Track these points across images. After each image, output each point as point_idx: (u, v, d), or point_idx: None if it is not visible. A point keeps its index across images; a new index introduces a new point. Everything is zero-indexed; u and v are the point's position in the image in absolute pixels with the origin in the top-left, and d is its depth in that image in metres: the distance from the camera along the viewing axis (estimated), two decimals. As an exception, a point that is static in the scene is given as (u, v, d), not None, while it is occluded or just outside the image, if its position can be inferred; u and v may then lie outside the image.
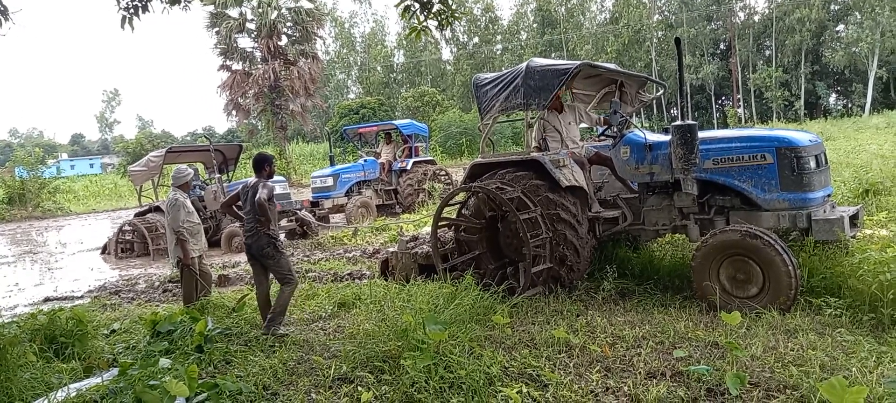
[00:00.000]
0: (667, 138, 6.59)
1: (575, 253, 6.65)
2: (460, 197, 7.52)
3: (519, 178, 6.88)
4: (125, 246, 14.95)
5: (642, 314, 5.97)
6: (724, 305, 5.57)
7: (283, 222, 15.47)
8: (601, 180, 7.69)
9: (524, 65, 7.19)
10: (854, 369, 4.18)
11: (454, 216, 7.49)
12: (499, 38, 66.02)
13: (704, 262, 5.88)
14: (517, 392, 4.16)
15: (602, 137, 7.62)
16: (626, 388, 4.25)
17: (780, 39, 51.86)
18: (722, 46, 58.05)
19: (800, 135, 6.38)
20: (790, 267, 5.45)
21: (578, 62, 7.07)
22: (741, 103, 51.91)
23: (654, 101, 8.73)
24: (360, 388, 4.54)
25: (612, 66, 8.10)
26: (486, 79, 7.62)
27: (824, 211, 6.15)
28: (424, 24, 6.39)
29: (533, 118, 7.44)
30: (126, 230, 15.01)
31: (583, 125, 8.22)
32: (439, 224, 7.38)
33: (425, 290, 6.46)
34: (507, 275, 7.08)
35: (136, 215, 15.15)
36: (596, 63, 7.52)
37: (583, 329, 5.54)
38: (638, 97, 8.21)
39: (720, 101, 57.40)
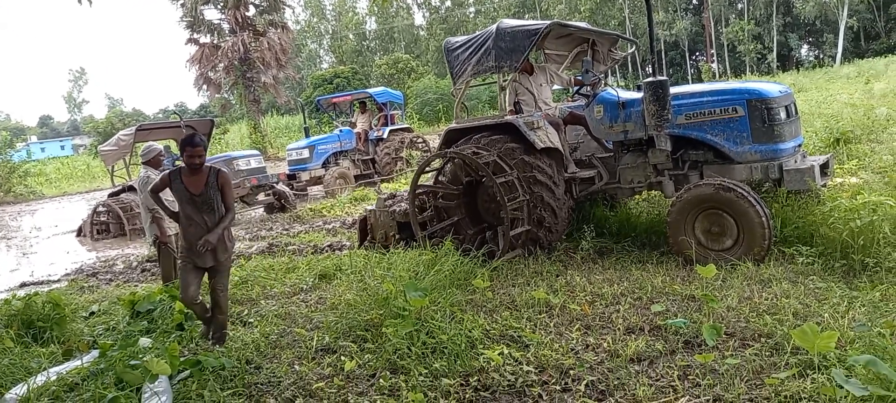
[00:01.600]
0: (639, 96, 6.60)
1: (552, 214, 6.68)
2: (436, 163, 7.49)
3: (494, 142, 6.87)
4: (100, 227, 14.73)
5: (620, 271, 6.05)
6: (700, 258, 5.65)
7: (260, 196, 15.33)
8: (576, 140, 7.70)
9: (494, 27, 7.10)
10: (826, 315, 4.29)
11: (431, 182, 7.47)
12: (471, 0, 65.29)
13: (679, 217, 5.95)
14: (499, 354, 4.20)
15: (576, 97, 7.61)
16: (605, 344, 4.32)
17: (751, -8, 51.97)
18: (694, 2, 58.03)
19: (770, 86, 6.44)
20: (763, 219, 5.54)
21: (548, 22, 7.02)
22: (715, 58, 52.12)
23: (629, 59, 8.69)
24: (343, 357, 4.56)
25: (582, 24, 8.05)
26: (457, 43, 7.53)
27: (795, 162, 6.24)
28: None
29: (505, 80, 7.39)
30: (100, 211, 14.78)
31: (556, 86, 8.20)
32: (416, 192, 7.36)
33: (405, 258, 6.47)
34: (487, 240, 7.11)
35: (110, 195, 14.90)
36: (566, 22, 7.48)
37: (562, 289, 5.60)
38: (610, 55, 8.19)
39: (694, 57, 57.57)
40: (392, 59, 51.89)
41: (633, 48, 8.98)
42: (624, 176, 6.98)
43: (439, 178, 7.34)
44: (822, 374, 3.40)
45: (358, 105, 18.83)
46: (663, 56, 52.35)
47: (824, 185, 6.48)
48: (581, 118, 7.33)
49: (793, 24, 52.82)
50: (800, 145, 6.57)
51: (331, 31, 70.52)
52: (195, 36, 36.44)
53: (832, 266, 5.29)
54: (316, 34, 70.49)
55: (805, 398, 3.27)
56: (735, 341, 4.12)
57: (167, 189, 6.53)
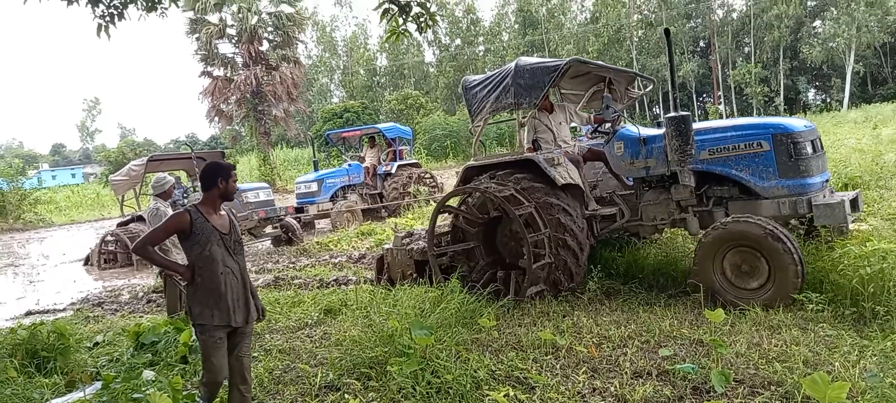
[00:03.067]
0: (660, 132, 6.54)
1: (575, 259, 6.54)
2: (454, 202, 7.38)
3: (518, 181, 6.76)
4: (108, 256, 14.76)
5: (628, 313, 5.99)
6: (726, 297, 5.62)
7: (268, 229, 15.31)
8: (595, 178, 7.62)
9: (513, 64, 7.09)
10: (837, 363, 4.23)
11: (445, 224, 7.37)
12: (481, 39, 66.09)
13: (709, 253, 5.80)
14: (504, 396, 4.16)
15: (594, 135, 7.53)
16: (612, 388, 4.27)
17: (758, 36, 52.38)
18: (701, 44, 58.55)
19: (795, 121, 6.36)
20: (798, 264, 5.42)
21: (567, 58, 6.97)
22: (722, 100, 52.37)
23: (637, 99, 8.58)
24: (346, 395, 4.52)
25: (600, 62, 8.03)
26: (475, 81, 7.53)
27: (824, 197, 6.11)
28: (404, 27, 6.37)
29: (524, 117, 7.33)
30: (108, 240, 14.84)
31: (573, 124, 8.17)
32: (443, 210, 7.20)
33: (411, 294, 6.45)
34: (497, 279, 6.95)
35: (119, 225, 14.96)
36: (585, 59, 7.44)
37: (569, 330, 5.56)
38: (627, 94, 8.11)
39: (701, 99, 57.85)
40: (402, 95, 52.39)
41: (650, 86, 8.98)
42: (646, 213, 6.87)
43: (466, 201, 7.20)
44: (834, 425, 3.34)
45: (367, 139, 18.98)
46: (670, 97, 52.61)
47: (854, 221, 6.29)
48: (601, 154, 7.28)
49: (800, 68, 53.09)
50: (827, 181, 6.43)
51: (342, 67, 71.38)
52: (209, 69, 37.04)
53: (842, 313, 5.22)
54: (327, 69, 71.36)
55: (816, 449, 3.21)
56: (744, 388, 4.06)
57: (159, 215, 6.28)
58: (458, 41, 66.02)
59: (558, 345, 5.13)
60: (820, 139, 6.45)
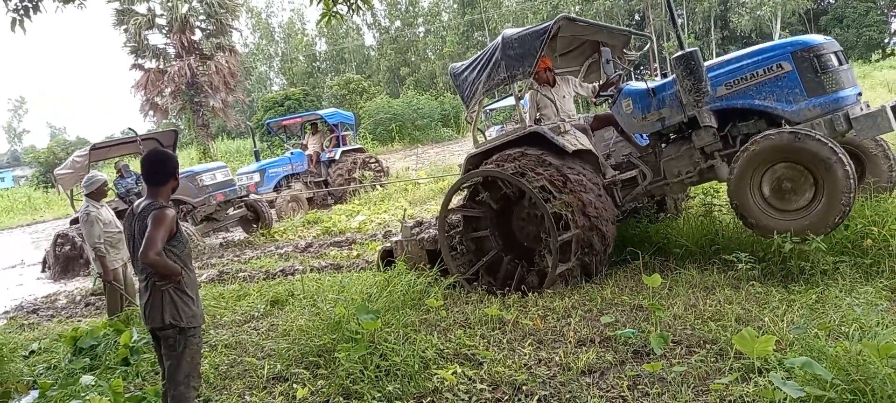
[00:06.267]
0: (667, 80, 6.20)
1: (600, 232, 5.95)
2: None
3: (525, 158, 6.26)
4: (64, 257, 13.71)
5: (571, 284, 6.11)
6: (765, 222, 5.39)
7: (231, 211, 14.28)
8: (606, 147, 7.24)
9: (499, 38, 6.65)
10: (766, 318, 4.43)
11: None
12: (420, 20, 65.68)
13: (751, 164, 5.36)
14: (452, 373, 4.21)
15: (597, 99, 7.12)
16: (557, 358, 4.37)
17: (690, 8, 53.77)
18: (637, 18, 59.73)
19: (812, 35, 5.86)
20: (850, 192, 4.92)
21: (557, 17, 6.36)
22: (658, 71, 53.63)
23: (633, 63, 8.21)
24: (295, 385, 4.49)
25: (592, 21, 7.57)
26: (462, 65, 7.09)
27: (861, 109, 5.61)
28: (335, 9, 6.25)
29: (520, 91, 6.93)
30: (61, 243, 13.57)
31: (581, 90, 7.60)
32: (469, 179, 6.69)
33: (358, 280, 6.44)
34: (507, 268, 6.57)
35: (72, 223, 13.90)
36: (575, 17, 6.94)
37: (515, 304, 5.65)
38: (625, 57, 7.66)
39: (639, 70, 59.12)
40: (343, 80, 51.66)
41: (648, 45, 8.66)
42: (669, 169, 6.29)
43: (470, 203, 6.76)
44: (764, 377, 3.52)
45: (309, 127, 18.73)
46: (673, 34, 53.26)
47: None
48: (609, 119, 6.93)
49: (730, 38, 54.81)
50: (860, 94, 5.89)
51: (280, 54, 69.86)
52: (140, 61, 35.64)
53: (772, 271, 5.46)
54: (265, 57, 69.70)
55: (748, 402, 3.37)
56: (682, 348, 4.23)
57: (91, 220, 6.24)
58: (397, 23, 65.46)
59: (504, 320, 5.22)
60: (843, 52, 5.88)
